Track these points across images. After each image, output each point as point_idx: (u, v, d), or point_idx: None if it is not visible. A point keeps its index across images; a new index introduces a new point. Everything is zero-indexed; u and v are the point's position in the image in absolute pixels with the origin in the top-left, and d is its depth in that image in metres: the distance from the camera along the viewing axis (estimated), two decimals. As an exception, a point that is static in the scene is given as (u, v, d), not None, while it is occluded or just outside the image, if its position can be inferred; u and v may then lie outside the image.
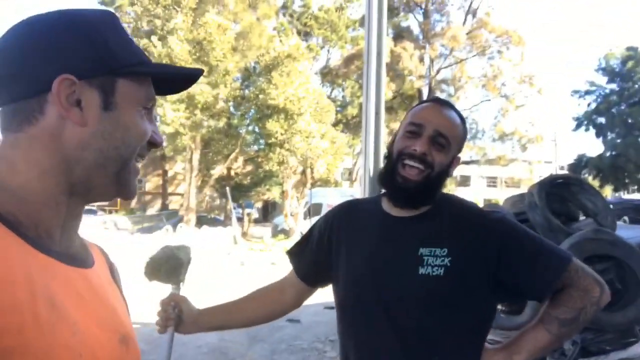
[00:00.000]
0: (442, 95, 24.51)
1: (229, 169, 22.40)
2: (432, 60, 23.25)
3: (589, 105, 27.32)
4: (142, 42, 17.02)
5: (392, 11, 21.00)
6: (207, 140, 19.85)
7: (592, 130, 27.03)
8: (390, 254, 1.23)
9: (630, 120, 25.00)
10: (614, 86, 26.47)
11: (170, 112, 16.78)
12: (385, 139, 7.54)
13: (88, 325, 0.62)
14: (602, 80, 27.01)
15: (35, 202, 0.63)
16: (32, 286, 0.56)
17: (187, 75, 0.75)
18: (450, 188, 36.91)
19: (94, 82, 0.65)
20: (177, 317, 1.35)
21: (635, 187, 25.10)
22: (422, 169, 1.20)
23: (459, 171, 29.87)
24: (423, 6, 22.93)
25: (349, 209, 1.40)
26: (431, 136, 1.21)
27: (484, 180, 43.47)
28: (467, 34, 22.39)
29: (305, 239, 1.43)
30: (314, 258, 1.37)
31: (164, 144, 17.94)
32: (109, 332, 0.66)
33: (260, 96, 16.05)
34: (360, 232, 1.31)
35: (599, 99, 26.83)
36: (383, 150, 6.93)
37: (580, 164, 26.14)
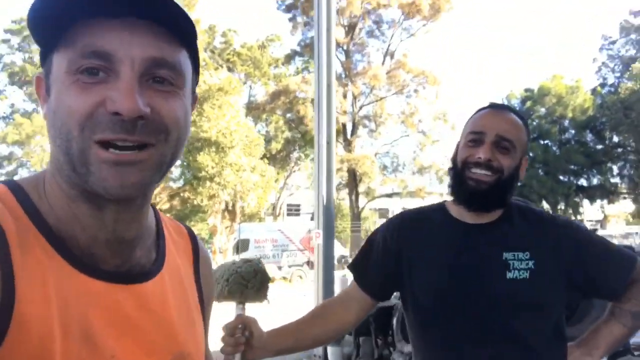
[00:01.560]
0: (364, 131, 25.54)
1: (152, 205, 21.43)
2: (354, 97, 24.24)
3: (494, 140, 29.95)
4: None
5: (316, 50, 21.75)
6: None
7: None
8: (475, 261, 1.22)
9: (531, 154, 27.68)
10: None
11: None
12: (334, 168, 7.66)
13: (132, 354, 0.58)
14: (505, 118, 29.80)
15: (63, 214, 0.57)
16: (67, 320, 0.53)
17: None
18: (372, 220, 37.98)
19: (44, 71, 0.58)
20: (246, 341, 1.22)
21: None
22: (490, 175, 1.20)
23: (379, 204, 30.86)
24: (345, 47, 24.01)
25: (412, 218, 1.38)
26: (494, 142, 1.21)
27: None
28: (387, 73, 23.70)
29: (367, 252, 1.40)
30: (380, 271, 1.34)
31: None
32: (157, 355, 0.61)
33: (191, 129, 15.76)
34: (433, 240, 1.29)
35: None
36: (335, 179, 7.07)
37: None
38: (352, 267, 1.42)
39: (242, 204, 18.83)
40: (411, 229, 1.33)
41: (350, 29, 24.20)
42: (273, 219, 29.77)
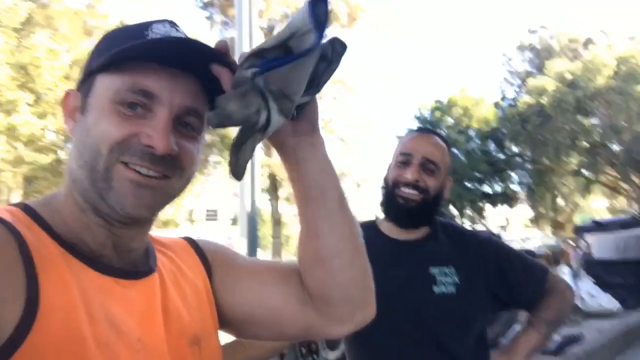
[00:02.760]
0: (284, 136, 25.55)
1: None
2: (275, 103, 24.21)
3: (408, 148, 31.51)
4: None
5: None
6: (31, 178, 17.43)
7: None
8: (404, 275, 1.29)
9: (440, 162, 29.42)
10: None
11: (-15, 145, 14.38)
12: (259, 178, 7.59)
13: (154, 337, 0.63)
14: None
15: (74, 224, 0.63)
16: (90, 309, 0.57)
17: (181, 45, 0.60)
18: (293, 225, 38.03)
19: (82, 89, 0.64)
20: None
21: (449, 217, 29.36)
22: (417, 194, 1.29)
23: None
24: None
25: None
26: (420, 163, 1.31)
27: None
28: (307, 79, 23.97)
29: None
30: None
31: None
32: (174, 340, 0.66)
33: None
34: None
35: (416, 143, 31.11)
36: (258, 189, 7.05)
37: (403, 199, 29.54)
38: None
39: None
40: None
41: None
42: (190, 225, 28.82)
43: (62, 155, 18.32)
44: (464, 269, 1.29)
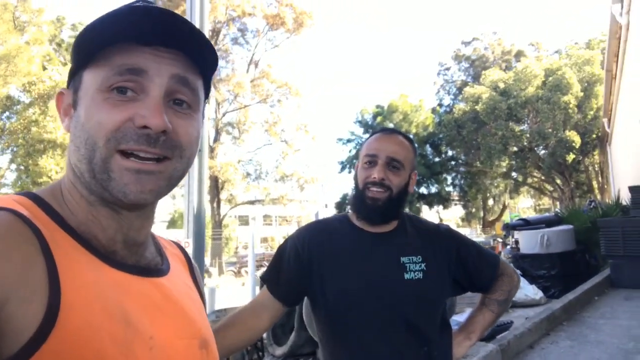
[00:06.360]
0: (228, 138, 25.33)
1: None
2: (218, 104, 23.90)
3: (350, 151, 32.03)
4: None
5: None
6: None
7: (353, 173, 31.71)
8: (377, 264, 1.37)
9: (382, 165, 30.19)
10: (367, 136, 31.73)
11: None
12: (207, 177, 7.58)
13: (167, 336, 0.62)
14: (359, 130, 32.02)
15: (85, 218, 0.62)
16: (107, 306, 0.56)
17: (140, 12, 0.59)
18: (233, 227, 37.51)
19: (71, 86, 0.64)
20: None
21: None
22: (383, 191, 1.38)
23: (240, 211, 30.62)
24: (208, 51, 23.56)
25: (320, 229, 1.49)
26: (385, 163, 1.39)
27: (261, 218, 45.74)
28: (251, 82, 23.85)
29: (277, 262, 1.47)
30: (292, 278, 1.42)
31: None
32: (187, 339, 0.66)
33: (33, 129, 13.92)
34: (340, 247, 1.42)
35: (357, 146, 31.71)
36: (206, 188, 7.03)
37: (344, 201, 30.06)
38: (265, 277, 1.48)
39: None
40: (320, 238, 1.45)
41: (214, 34, 23.86)
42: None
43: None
44: (430, 258, 1.40)
